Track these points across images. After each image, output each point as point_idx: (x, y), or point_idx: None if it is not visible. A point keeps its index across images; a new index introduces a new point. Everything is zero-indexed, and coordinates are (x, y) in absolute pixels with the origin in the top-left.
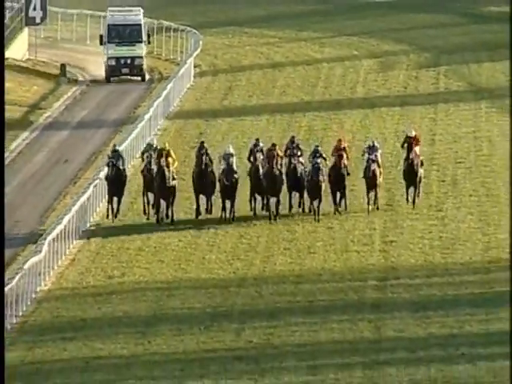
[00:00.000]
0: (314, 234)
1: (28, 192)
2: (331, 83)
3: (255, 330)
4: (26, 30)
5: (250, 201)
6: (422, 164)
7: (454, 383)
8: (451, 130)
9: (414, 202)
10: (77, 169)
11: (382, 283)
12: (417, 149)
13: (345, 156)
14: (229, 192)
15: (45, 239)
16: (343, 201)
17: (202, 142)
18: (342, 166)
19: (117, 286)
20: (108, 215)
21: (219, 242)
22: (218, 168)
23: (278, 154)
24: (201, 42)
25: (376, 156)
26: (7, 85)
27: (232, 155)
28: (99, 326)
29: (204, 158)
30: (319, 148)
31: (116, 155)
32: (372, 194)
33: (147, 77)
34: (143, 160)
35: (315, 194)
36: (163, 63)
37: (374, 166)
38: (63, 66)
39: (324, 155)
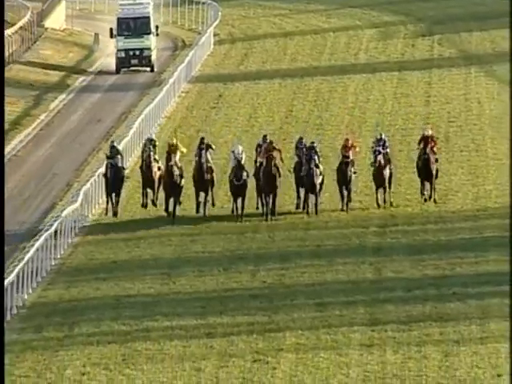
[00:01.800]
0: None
1: (65, 148)
2: (336, 50)
3: (269, 272)
4: (63, 2)
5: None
6: (436, 161)
7: (446, 319)
8: (444, 92)
9: (430, 197)
10: (109, 127)
11: (382, 230)
12: (432, 147)
13: (351, 156)
14: (239, 191)
15: (80, 190)
16: (350, 198)
17: (202, 138)
18: (349, 164)
19: (145, 232)
20: (107, 212)
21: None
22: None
23: (275, 149)
24: (220, 14)
25: (385, 148)
26: (47, 52)
27: (242, 154)
28: (129, 268)
29: (203, 153)
30: (315, 145)
31: (114, 151)
32: (381, 189)
33: (155, 68)
34: (143, 155)
35: (311, 191)
36: (186, 32)
37: (379, 158)
38: (96, 35)
39: (319, 153)
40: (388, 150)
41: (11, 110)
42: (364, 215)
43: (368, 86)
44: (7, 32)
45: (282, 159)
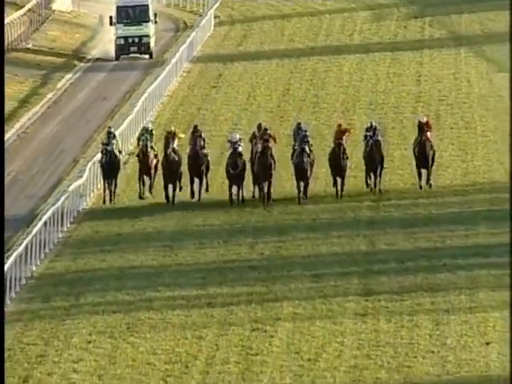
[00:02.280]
0: (317, 163)
1: (72, 125)
2: (332, 32)
3: (266, 244)
4: None
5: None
6: (431, 148)
7: (436, 289)
8: (435, 71)
9: (427, 182)
10: (114, 105)
11: (376, 204)
12: (428, 134)
13: (344, 142)
14: (236, 180)
15: (86, 166)
16: (343, 186)
17: (196, 126)
18: (342, 151)
19: (148, 206)
20: (104, 200)
21: None
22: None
23: (271, 138)
24: None
25: (376, 135)
26: (54, 33)
27: (239, 141)
28: (133, 241)
29: (198, 140)
30: (307, 134)
31: (111, 137)
32: (372, 174)
33: (154, 55)
34: (139, 144)
35: (302, 177)
36: (187, 14)
37: (371, 145)
38: (101, 17)
39: (311, 142)
40: (379, 138)
41: (20, 89)
42: (358, 190)
43: (362, 66)
44: (16, 14)
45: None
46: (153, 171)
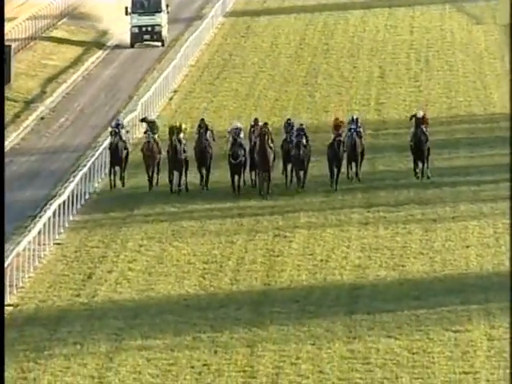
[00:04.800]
0: (328, 98)
1: (126, 68)
2: None
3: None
4: None
5: (250, 175)
6: (427, 141)
7: (426, 202)
8: (424, 24)
9: (422, 174)
10: (161, 51)
11: (376, 132)
12: (423, 127)
13: (343, 134)
14: (236, 170)
15: (138, 101)
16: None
17: (202, 119)
18: (340, 144)
19: (189, 135)
20: (111, 186)
21: None
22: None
23: (269, 132)
24: None
25: (358, 127)
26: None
27: (240, 130)
28: None
29: (203, 133)
30: (304, 127)
31: (120, 126)
32: (353, 164)
33: (166, 42)
34: (145, 137)
35: (300, 167)
36: None
37: (354, 137)
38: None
39: (307, 135)
40: (360, 129)
41: (85, 38)
42: (362, 121)
43: (364, 20)
44: None
45: (272, 140)
46: (156, 163)
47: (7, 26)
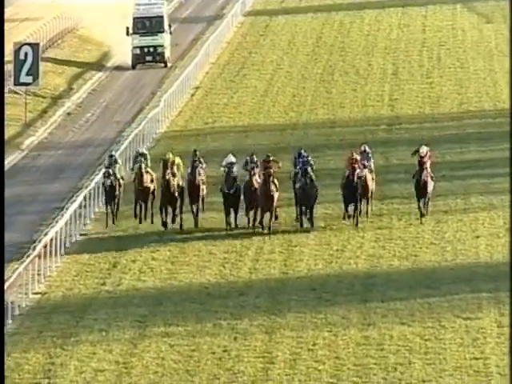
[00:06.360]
0: (344, 95)
1: (149, 66)
2: None
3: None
4: None
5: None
6: (432, 178)
7: (437, 194)
8: (436, 23)
9: (422, 213)
10: (183, 49)
11: (389, 127)
12: (428, 166)
13: (358, 169)
14: (231, 201)
15: (161, 97)
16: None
17: (195, 150)
18: (356, 178)
19: (210, 130)
20: (107, 223)
21: None
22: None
23: (271, 167)
24: None
25: (369, 160)
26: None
27: (233, 164)
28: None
29: (196, 165)
30: (309, 158)
31: (112, 161)
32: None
33: (169, 64)
34: (133, 169)
35: (311, 203)
36: None
37: (365, 172)
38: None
39: (312, 162)
40: (372, 163)
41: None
42: (375, 116)
43: (379, 19)
44: None
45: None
46: (150, 196)
47: (35, 26)
